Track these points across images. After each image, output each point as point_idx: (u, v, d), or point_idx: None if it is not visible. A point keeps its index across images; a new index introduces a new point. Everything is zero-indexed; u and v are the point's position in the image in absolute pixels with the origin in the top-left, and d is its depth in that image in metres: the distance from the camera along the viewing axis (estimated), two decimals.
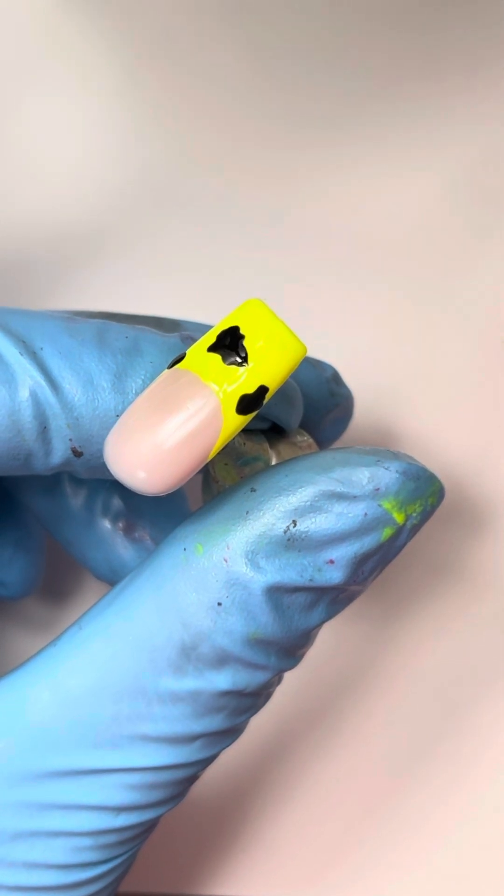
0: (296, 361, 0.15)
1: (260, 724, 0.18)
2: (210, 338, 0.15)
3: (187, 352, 0.15)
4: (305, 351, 0.15)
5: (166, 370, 0.15)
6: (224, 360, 0.15)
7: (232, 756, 0.18)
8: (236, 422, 0.15)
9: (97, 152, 0.28)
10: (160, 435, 0.14)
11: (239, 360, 0.15)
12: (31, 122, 0.28)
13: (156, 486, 0.15)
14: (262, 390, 0.15)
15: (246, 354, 0.15)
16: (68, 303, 0.27)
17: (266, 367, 0.15)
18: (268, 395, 0.15)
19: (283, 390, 0.17)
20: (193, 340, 0.16)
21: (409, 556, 0.23)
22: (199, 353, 0.15)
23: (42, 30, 0.28)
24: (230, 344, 0.15)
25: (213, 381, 0.15)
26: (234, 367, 0.15)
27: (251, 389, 0.15)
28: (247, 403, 0.15)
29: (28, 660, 0.17)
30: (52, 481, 0.21)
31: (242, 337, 0.15)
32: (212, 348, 0.15)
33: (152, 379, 0.16)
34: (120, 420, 0.15)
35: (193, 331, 0.18)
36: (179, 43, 0.28)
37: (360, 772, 0.24)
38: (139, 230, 0.27)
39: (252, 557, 0.15)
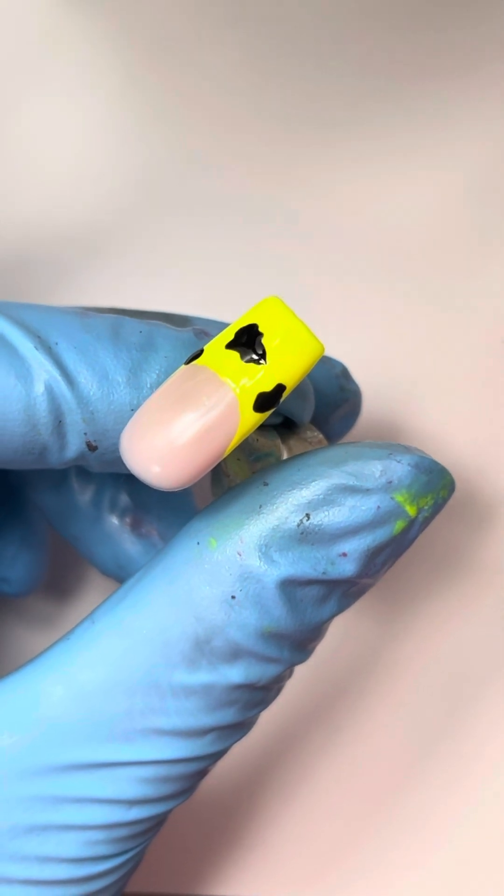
0: (313, 360, 0.15)
1: (261, 722, 0.18)
2: (228, 335, 0.15)
3: (205, 348, 0.15)
4: (323, 350, 0.15)
5: (183, 366, 0.15)
6: (242, 357, 0.15)
7: (233, 755, 0.18)
8: (253, 419, 0.15)
9: (97, 152, 0.28)
10: (176, 430, 0.14)
11: (256, 357, 0.15)
12: (31, 122, 0.28)
13: (170, 481, 0.15)
14: (280, 388, 0.15)
15: (264, 352, 0.15)
16: (68, 302, 0.27)
17: (284, 365, 0.15)
18: (285, 394, 0.15)
19: (297, 384, 0.17)
20: (207, 335, 0.16)
21: (414, 552, 0.24)
22: (216, 350, 0.15)
23: (42, 30, 0.28)
24: (248, 341, 0.15)
25: (231, 378, 0.15)
26: (251, 364, 0.15)
27: (269, 387, 0.15)
28: (264, 401, 0.15)
29: (40, 654, 0.17)
30: (59, 477, 0.21)
31: (260, 334, 0.15)
32: (230, 345, 0.15)
33: (167, 374, 0.16)
34: (136, 414, 0.15)
35: (203, 326, 0.18)
36: (180, 43, 0.28)
37: (361, 771, 0.24)
38: (139, 230, 0.27)
39: (265, 551, 0.15)
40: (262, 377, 0.15)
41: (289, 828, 0.24)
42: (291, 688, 0.23)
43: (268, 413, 0.15)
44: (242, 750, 0.23)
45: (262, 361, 0.15)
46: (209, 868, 0.24)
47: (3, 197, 0.27)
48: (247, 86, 0.28)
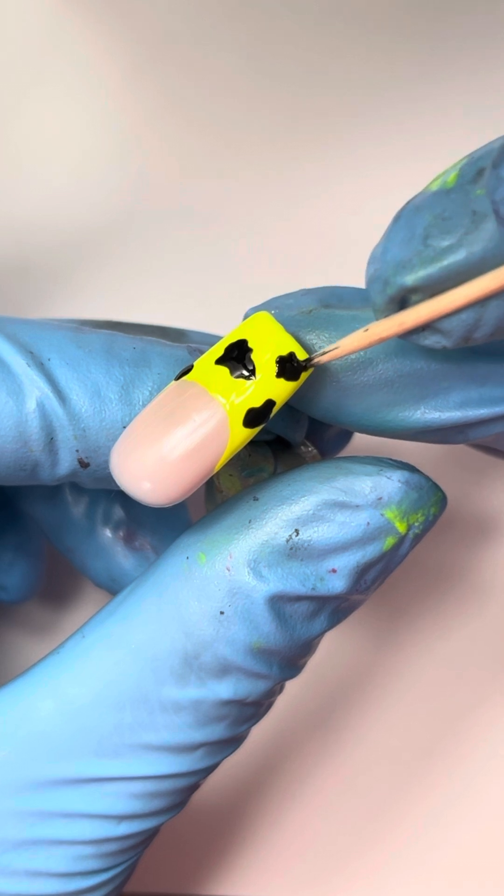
0: (303, 376, 0.15)
1: (261, 727, 0.18)
2: (218, 350, 0.15)
3: (195, 364, 0.15)
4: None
5: (173, 382, 0.15)
6: (231, 372, 0.15)
7: (233, 758, 0.18)
8: (243, 435, 0.15)
9: (96, 154, 0.28)
10: (166, 446, 0.14)
11: (246, 373, 0.15)
12: (30, 123, 0.28)
13: (161, 498, 0.15)
14: (270, 404, 0.15)
15: (254, 368, 0.15)
16: (67, 306, 0.27)
17: (273, 380, 0.15)
18: (275, 409, 0.15)
19: (288, 405, 0.17)
20: (201, 352, 0.16)
21: (408, 564, 0.24)
22: (206, 366, 0.15)
23: (43, 32, 0.28)
24: (238, 357, 0.15)
25: (220, 394, 0.15)
26: (241, 380, 0.15)
27: (258, 403, 0.15)
28: (253, 416, 0.15)
29: (30, 668, 0.17)
30: (54, 490, 0.21)
31: (250, 350, 0.15)
32: (219, 361, 0.15)
33: (159, 391, 0.16)
34: (126, 431, 0.15)
35: (199, 341, 0.18)
36: (180, 45, 0.28)
37: (360, 775, 0.24)
38: (138, 231, 0.27)
39: (254, 566, 0.15)
40: (252, 393, 0.15)
41: (289, 828, 0.24)
42: (291, 692, 0.23)
43: (258, 429, 0.15)
44: (243, 751, 0.23)
45: (251, 377, 0.15)
46: (209, 868, 0.24)
47: (3, 198, 0.27)
48: (247, 86, 0.28)
